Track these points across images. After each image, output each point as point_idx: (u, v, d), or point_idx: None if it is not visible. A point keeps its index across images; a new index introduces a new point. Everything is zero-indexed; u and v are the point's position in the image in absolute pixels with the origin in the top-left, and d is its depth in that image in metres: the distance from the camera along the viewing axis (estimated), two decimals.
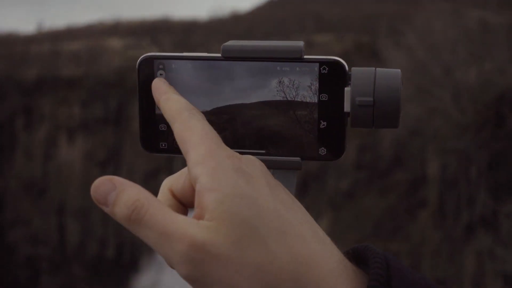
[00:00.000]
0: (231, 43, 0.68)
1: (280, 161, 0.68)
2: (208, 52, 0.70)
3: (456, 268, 9.60)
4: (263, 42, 0.68)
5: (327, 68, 0.66)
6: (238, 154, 0.57)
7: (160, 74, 0.69)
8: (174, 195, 0.59)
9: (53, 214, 17.03)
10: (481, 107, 9.58)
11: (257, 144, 0.69)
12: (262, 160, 0.66)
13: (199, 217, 0.51)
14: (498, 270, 8.64)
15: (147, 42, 20.19)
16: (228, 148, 0.57)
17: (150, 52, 0.71)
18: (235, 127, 0.68)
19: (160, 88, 0.65)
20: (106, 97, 17.09)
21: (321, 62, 0.66)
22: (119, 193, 0.55)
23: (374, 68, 0.66)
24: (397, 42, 11.95)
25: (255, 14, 24.89)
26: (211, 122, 0.66)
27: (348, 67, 0.67)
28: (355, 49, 15.10)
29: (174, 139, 0.66)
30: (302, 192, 12.15)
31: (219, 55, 0.68)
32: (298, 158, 0.69)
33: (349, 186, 11.98)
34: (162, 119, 0.68)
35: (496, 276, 8.80)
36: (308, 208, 0.74)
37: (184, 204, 0.59)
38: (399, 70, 0.66)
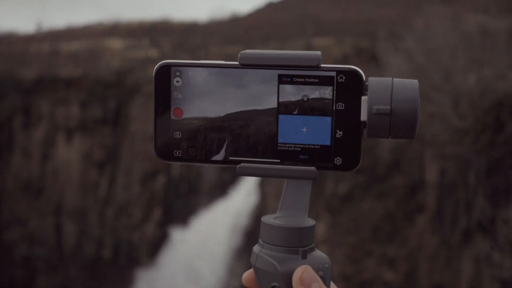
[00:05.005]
0: (248, 51, 0.69)
1: (295, 171, 0.68)
2: (224, 60, 0.70)
3: (454, 273, 9.59)
4: (280, 51, 0.68)
5: (344, 77, 0.66)
6: None
7: (177, 81, 0.69)
8: None
9: (50, 214, 17.00)
10: (480, 113, 9.58)
11: (271, 153, 0.69)
12: (277, 169, 0.67)
13: None
14: (495, 275, 8.63)
15: (146, 43, 20.19)
16: None
17: (167, 59, 0.71)
18: (248, 133, 0.68)
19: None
20: (105, 97, 17.08)
21: (338, 71, 0.66)
22: None
23: (391, 78, 0.66)
24: (397, 46, 11.95)
25: (255, 16, 24.90)
26: (224, 128, 0.67)
27: (365, 77, 0.67)
28: (355, 53, 15.10)
29: (188, 147, 0.68)
30: None
31: (236, 63, 0.69)
32: (313, 168, 0.68)
33: (347, 190, 11.97)
34: (177, 126, 0.69)
35: (493, 281, 8.79)
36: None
37: None
38: (416, 80, 0.66)
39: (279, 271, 0.67)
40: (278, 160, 0.69)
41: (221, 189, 15.16)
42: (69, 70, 18.09)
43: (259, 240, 0.71)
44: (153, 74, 0.70)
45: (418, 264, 10.33)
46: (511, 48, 9.97)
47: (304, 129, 0.68)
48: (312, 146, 0.68)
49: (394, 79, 0.66)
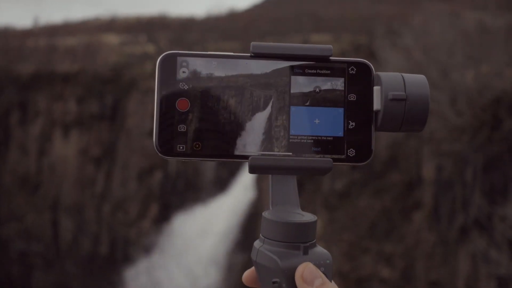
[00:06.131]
0: (260, 42, 0.68)
1: (311, 162, 0.67)
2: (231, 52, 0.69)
3: (450, 270, 9.61)
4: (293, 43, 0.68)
5: (355, 69, 0.67)
6: None
7: (183, 72, 0.67)
8: None
9: (46, 210, 16.98)
10: (478, 110, 9.59)
11: (283, 145, 0.67)
12: (292, 161, 0.66)
13: None
14: (492, 273, 8.65)
15: (143, 39, 20.15)
16: None
17: (171, 50, 0.69)
18: (258, 126, 0.67)
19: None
20: (102, 93, 17.05)
21: (349, 63, 0.67)
22: None
23: (399, 73, 0.67)
24: (394, 43, 11.95)
25: (253, 12, 24.89)
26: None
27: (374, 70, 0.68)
28: (352, 50, 15.10)
29: (193, 141, 0.65)
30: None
31: (247, 54, 0.68)
32: (329, 159, 0.67)
33: (344, 187, 11.97)
34: (181, 119, 0.66)
35: (490, 278, 8.81)
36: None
37: None
38: (423, 75, 0.68)
39: (280, 266, 0.67)
40: (290, 153, 0.68)
41: (219, 185, 15.16)
42: (66, 66, 18.05)
43: (260, 235, 0.70)
44: (157, 63, 0.68)
45: (414, 261, 10.34)
46: (509, 45, 9.97)
47: (317, 121, 0.67)
48: (325, 138, 0.67)
49: (402, 73, 0.67)
